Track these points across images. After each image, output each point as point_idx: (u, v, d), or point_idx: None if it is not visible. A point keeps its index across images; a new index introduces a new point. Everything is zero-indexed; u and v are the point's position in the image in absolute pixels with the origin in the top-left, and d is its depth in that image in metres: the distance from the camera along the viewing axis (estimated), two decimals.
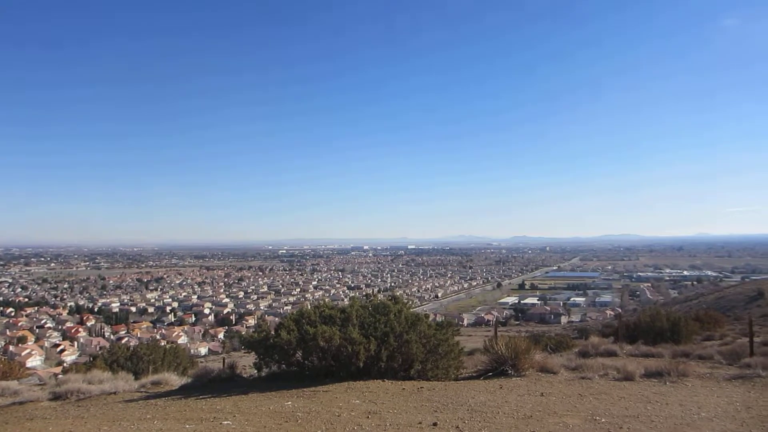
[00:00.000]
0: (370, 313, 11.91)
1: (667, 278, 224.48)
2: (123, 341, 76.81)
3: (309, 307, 13.75)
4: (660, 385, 11.50)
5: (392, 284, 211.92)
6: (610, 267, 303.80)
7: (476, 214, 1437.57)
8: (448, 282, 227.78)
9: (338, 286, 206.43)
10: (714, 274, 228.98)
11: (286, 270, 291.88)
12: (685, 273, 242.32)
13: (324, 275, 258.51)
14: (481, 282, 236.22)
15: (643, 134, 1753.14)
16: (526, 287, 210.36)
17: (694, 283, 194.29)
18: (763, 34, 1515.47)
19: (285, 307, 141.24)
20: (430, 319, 13.00)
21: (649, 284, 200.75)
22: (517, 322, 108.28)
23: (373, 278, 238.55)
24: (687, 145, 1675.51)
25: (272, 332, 11.91)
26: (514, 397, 9.82)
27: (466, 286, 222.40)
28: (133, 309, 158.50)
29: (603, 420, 8.38)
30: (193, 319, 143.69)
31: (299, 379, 11.56)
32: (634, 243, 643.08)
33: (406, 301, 13.16)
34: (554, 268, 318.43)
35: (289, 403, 9.48)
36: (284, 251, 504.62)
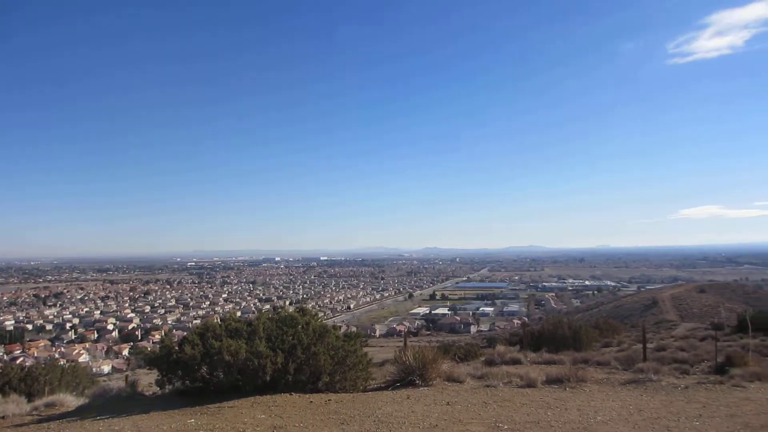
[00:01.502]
0: (277, 325, 11.68)
1: (570, 288, 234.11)
2: (17, 361, 72.26)
3: (217, 320, 13.37)
4: (560, 391, 11.92)
5: (305, 296, 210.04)
6: (517, 277, 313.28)
7: (388, 225, 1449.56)
8: (361, 293, 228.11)
9: (249, 298, 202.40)
10: (613, 284, 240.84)
11: (195, 283, 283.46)
12: (587, 283, 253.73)
13: (235, 287, 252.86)
14: (393, 293, 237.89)
15: (545, 152, 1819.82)
16: (437, 297, 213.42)
17: (595, 292, 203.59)
18: (659, 58, 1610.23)
19: (194, 321, 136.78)
20: (342, 330, 12.96)
21: (554, 294, 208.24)
22: (429, 332, 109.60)
23: (285, 290, 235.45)
24: (586, 161, 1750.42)
25: (176, 347, 11.48)
26: (420, 406, 9.90)
27: (378, 297, 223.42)
28: (30, 327, 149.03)
29: (505, 427, 8.58)
30: (96, 335, 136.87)
31: (204, 395, 11.17)
32: (540, 254, 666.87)
33: (314, 312, 13.03)
34: (464, 278, 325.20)
35: (192, 420, 9.16)
36: (193, 263, 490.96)
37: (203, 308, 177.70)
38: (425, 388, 11.64)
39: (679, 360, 17.50)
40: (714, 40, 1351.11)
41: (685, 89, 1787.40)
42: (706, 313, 78.01)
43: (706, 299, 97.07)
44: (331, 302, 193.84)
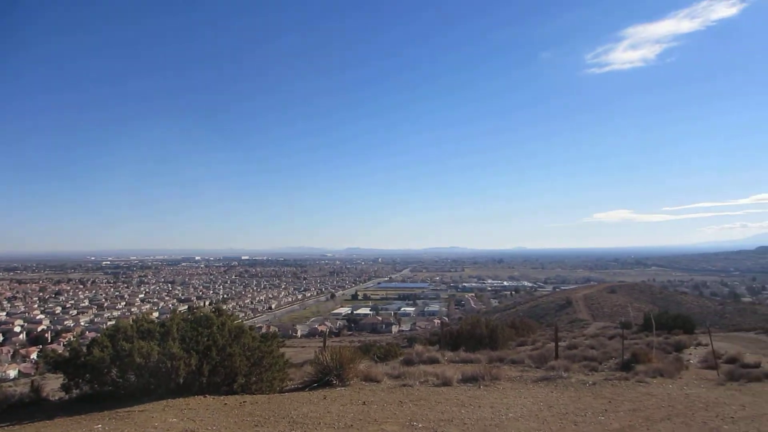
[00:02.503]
0: (192, 326, 11.40)
1: (489, 288, 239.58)
2: None
3: (130, 321, 12.90)
4: (475, 389, 12.19)
5: (225, 296, 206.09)
6: (438, 278, 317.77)
7: (311, 225, 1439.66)
8: (283, 293, 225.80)
9: (167, 298, 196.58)
10: (530, 284, 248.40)
11: (110, 282, 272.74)
12: (505, 284, 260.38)
13: (152, 287, 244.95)
14: (315, 293, 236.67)
15: (466, 158, 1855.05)
16: (359, 298, 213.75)
17: (513, 293, 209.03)
18: (577, 67, 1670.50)
19: (108, 323, 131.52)
20: (262, 330, 12.79)
21: (473, 294, 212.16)
22: (350, 333, 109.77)
23: (205, 290, 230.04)
24: (506, 166, 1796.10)
25: (83, 350, 11.01)
26: (336, 407, 9.91)
27: (300, 297, 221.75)
28: None
29: (420, 425, 8.70)
30: (1, 338, 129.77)
31: (114, 399, 10.74)
32: (460, 255, 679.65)
33: (230, 313, 12.80)
34: (386, 279, 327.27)
35: (99, 426, 8.82)
36: (108, 262, 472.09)
37: (118, 309, 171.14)
38: (342, 388, 11.67)
39: (589, 357, 18.23)
40: (628, 52, 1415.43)
41: (601, 98, 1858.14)
42: (616, 312, 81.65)
43: (617, 299, 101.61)
44: (252, 302, 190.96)
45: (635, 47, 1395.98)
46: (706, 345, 19.22)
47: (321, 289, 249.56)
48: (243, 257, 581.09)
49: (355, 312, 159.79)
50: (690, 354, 20.62)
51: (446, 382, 12.44)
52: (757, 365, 17.24)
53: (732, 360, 18.50)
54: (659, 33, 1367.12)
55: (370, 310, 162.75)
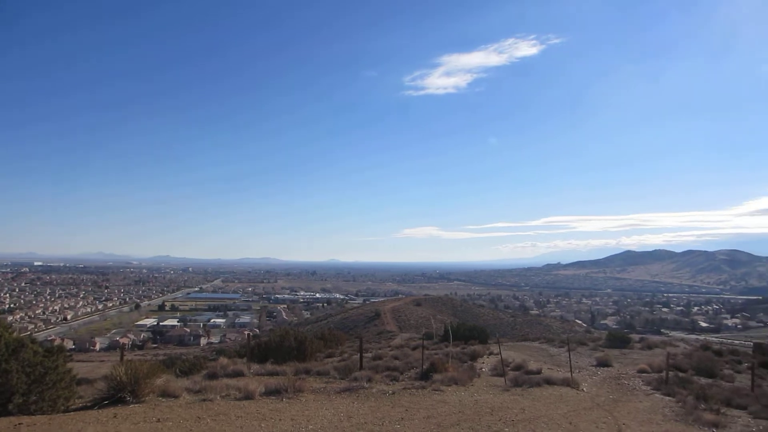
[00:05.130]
0: None
1: (302, 300, 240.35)
2: None
3: None
4: (277, 402, 12.11)
5: (11, 305, 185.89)
6: (250, 289, 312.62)
7: (115, 230, 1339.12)
8: (81, 303, 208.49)
9: None
10: (341, 296, 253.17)
11: None
12: (318, 295, 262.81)
13: None
14: (118, 303, 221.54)
15: (283, 170, 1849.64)
16: (167, 308, 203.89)
17: (325, 304, 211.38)
18: (396, 88, 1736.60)
19: None
20: (56, 343, 11.63)
21: (286, 306, 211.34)
22: (155, 345, 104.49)
23: None
24: (319, 179, 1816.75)
25: None
26: (127, 425, 9.32)
27: (101, 307, 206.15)
28: None
29: None
30: None
31: None
32: (274, 267, 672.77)
33: (7, 324, 11.50)
34: (196, 289, 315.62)
35: None
36: None
37: None
38: (136, 405, 10.98)
39: (392, 368, 18.90)
40: (443, 78, 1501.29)
41: (416, 121, 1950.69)
42: (421, 324, 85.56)
43: (422, 312, 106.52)
44: (44, 313, 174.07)
45: (449, 74, 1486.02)
46: (497, 354, 20.77)
47: (125, 299, 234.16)
48: (36, 263, 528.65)
49: (161, 323, 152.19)
50: (483, 363, 22.14)
51: (249, 396, 12.23)
52: (539, 372, 19.00)
53: (518, 367, 20.20)
54: (471, 63, 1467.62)
55: (178, 322, 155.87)
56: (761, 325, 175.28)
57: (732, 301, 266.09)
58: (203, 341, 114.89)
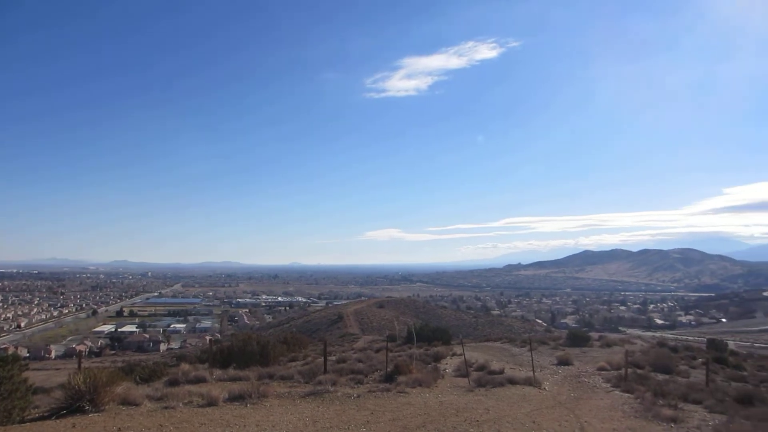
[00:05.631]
0: None
1: (264, 304, 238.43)
2: None
3: None
4: (242, 407, 11.98)
5: None
6: (211, 293, 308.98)
7: (71, 235, 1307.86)
8: (35, 310, 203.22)
9: None
10: (304, 300, 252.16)
11: None
12: (280, 299, 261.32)
13: None
14: (74, 309, 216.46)
15: (241, 174, 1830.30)
16: (125, 314, 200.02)
17: (287, 308, 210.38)
18: (358, 91, 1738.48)
19: None
20: (10, 351, 11.29)
21: (247, 310, 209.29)
22: (114, 352, 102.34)
23: None
24: (281, 181, 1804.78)
25: None
26: None
27: (56, 314, 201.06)
28: None
29: None
30: None
31: None
32: (235, 270, 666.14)
33: None
34: (156, 294, 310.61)
35: None
36: None
37: None
38: (96, 414, 10.74)
39: (356, 371, 18.85)
40: (404, 81, 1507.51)
41: (377, 123, 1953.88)
42: (384, 326, 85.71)
43: (385, 314, 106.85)
44: None
45: (410, 77, 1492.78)
46: (460, 355, 20.92)
47: (81, 305, 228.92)
48: None
49: (119, 329, 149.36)
50: (447, 364, 22.27)
51: (212, 402, 12.07)
52: (501, 371, 19.19)
53: (481, 368, 20.36)
54: (431, 66, 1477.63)
55: (137, 328, 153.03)
56: (714, 321, 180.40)
57: (686, 298, 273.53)
58: (163, 347, 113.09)
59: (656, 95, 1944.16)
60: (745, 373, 26.08)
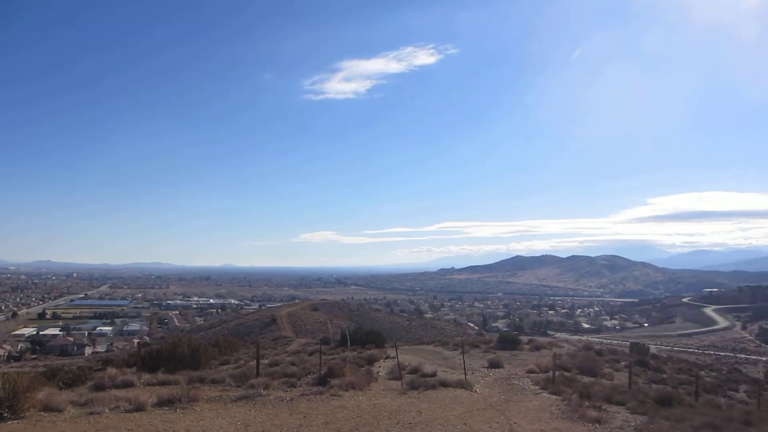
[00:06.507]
0: None
1: (195, 306, 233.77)
2: None
3: None
4: (171, 412, 11.73)
5: None
6: (140, 295, 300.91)
7: None
8: None
9: None
10: (236, 302, 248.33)
11: None
12: (212, 301, 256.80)
13: None
14: None
15: (174, 173, 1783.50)
16: (48, 316, 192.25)
17: (219, 310, 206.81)
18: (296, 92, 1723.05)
19: None
20: None
21: (178, 312, 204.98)
22: (35, 356, 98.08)
23: None
24: (213, 183, 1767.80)
25: None
26: None
27: None
28: None
29: None
30: None
31: None
32: (166, 271, 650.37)
33: None
34: (81, 295, 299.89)
35: None
36: None
37: None
38: (15, 422, 10.30)
39: (289, 374, 18.73)
40: (342, 84, 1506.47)
41: (315, 125, 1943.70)
42: (317, 329, 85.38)
43: (319, 316, 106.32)
44: None
45: (349, 80, 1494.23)
46: (394, 358, 21.07)
47: (0, 308, 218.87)
48: None
49: (41, 332, 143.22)
50: (380, 366, 22.39)
51: (140, 407, 11.76)
52: (434, 374, 19.43)
53: (414, 370, 20.55)
54: (370, 70, 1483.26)
55: (60, 331, 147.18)
56: (637, 325, 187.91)
57: (611, 303, 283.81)
58: (88, 351, 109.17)
59: (586, 107, 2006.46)
60: (665, 376, 27.36)
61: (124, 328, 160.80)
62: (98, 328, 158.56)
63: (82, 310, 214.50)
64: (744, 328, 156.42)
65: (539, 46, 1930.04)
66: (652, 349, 46.88)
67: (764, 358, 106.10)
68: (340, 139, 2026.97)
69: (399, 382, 17.50)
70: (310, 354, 28.55)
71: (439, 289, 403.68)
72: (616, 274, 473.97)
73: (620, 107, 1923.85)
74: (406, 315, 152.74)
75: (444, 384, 17.24)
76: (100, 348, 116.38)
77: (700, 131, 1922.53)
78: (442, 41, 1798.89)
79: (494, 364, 23.98)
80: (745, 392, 28.14)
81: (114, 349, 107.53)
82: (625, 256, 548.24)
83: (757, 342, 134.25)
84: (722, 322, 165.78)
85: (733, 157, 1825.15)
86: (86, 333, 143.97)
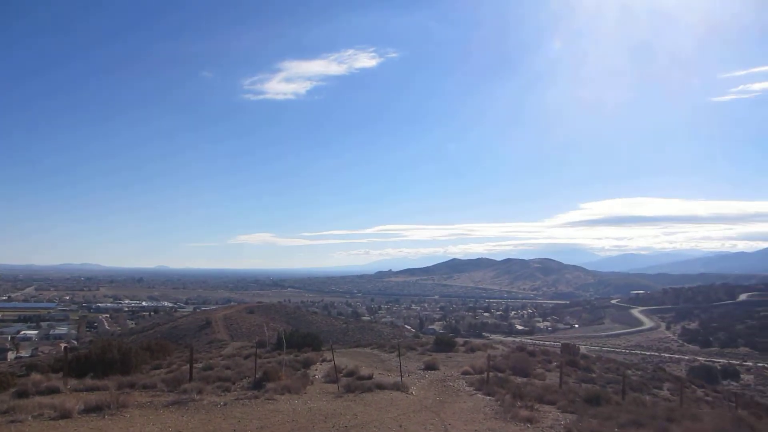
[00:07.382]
0: None
1: (127, 309, 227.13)
2: None
3: None
4: (99, 419, 11.39)
5: None
6: (68, 297, 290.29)
7: None
8: None
9: None
10: (170, 305, 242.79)
11: None
12: (144, 304, 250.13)
13: None
14: None
15: (122, 174, 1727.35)
16: None
17: (152, 313, 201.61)
18: (235, 91, 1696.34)
19: None
20: None
21: (108, 315, 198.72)
22: None
23: None
24: (150, 181, 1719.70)
25: None
26: None
27: None
28: None
29: None
30: None
31: None
32: (96, 273, 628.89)
33: None
34: (4, 297, 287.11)
35: None
36: None
37: None
38: None
39: (224, 378, 18.46)
40: (282, 84, 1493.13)
41: (253, 126, 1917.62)
42: (253, 332, 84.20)
43: (255, 319, 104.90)
44: None
45: (289, 81, 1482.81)
46: (330, 361, 21.02)
47: None
48: None
49: None
50: (316, 370, 22.35)
51: (65, 414, 11.36)
52: (370, 377, 19.50)
53: (350, 373, 20.58)
54: (311, 71, 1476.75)
55: None
56: (568, 326, 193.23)
57: (544, 305, 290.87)
58: (11, 355, 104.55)
59: (521, 114, 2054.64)
60: (594, 375, 28.24)
61: (51, 332, 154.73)
62: (22, 332, 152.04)
63: (6, 313, 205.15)
64: (668, 328, 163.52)
65: (479, 51, 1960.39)
66: (583, 349, 48.34)
67: (687, 357, 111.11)
68: (278, 141, 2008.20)
69: (335, 386, 17.51)
70: (246, 357, 28.19)
71: (377, 291, 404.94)
72: (549, 276, 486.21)
73: (554, 116, 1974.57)
74: (343, 318, 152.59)
75: (380, 386, 17.33)
76: (25, 353, 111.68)
77: (630, 140, 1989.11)
78: (383, 45, 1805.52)
79: (430, 366, 24.24)
80: (668, 390, 29.39)
81: (39, 353, 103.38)
82: (557, 260, 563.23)
83: (680, 341, 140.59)
84: (648, 323, 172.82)
85: (659, 166, 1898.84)
86: (9, 337, 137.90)
